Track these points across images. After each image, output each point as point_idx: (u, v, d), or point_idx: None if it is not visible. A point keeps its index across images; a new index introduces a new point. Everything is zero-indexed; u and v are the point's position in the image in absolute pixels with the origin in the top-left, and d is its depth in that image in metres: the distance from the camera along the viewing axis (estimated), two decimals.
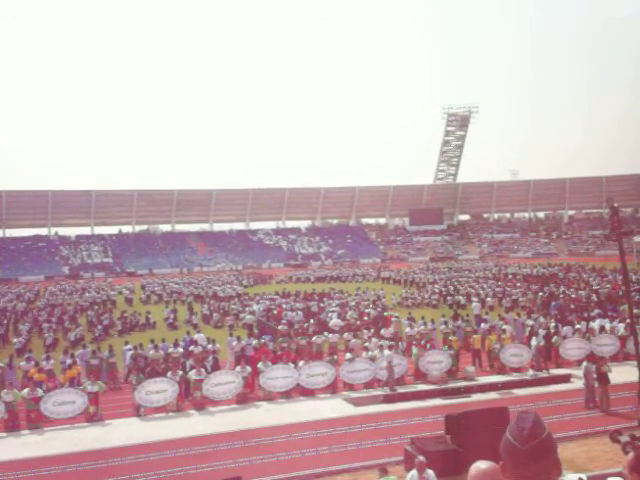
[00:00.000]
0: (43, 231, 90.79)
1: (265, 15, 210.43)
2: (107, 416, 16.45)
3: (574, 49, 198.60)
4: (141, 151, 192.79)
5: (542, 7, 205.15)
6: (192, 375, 17.44)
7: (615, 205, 13.09)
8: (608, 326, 22.12)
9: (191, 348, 21.14)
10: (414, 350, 19.79)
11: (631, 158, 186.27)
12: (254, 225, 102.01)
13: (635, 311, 22.85)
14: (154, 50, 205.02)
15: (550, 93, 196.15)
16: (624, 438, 12.39)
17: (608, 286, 37.38)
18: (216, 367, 19.33)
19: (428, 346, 20.14)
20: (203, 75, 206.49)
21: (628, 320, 18.81)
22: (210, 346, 21.13)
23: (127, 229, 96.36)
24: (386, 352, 19.04)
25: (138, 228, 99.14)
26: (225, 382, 17.37)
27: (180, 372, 17.81)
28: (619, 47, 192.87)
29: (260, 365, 18.07)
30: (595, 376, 15.47)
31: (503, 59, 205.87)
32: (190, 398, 17.48)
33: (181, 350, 20.73)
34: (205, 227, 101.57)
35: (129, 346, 21.66)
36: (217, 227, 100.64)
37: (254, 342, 21.66)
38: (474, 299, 34.33)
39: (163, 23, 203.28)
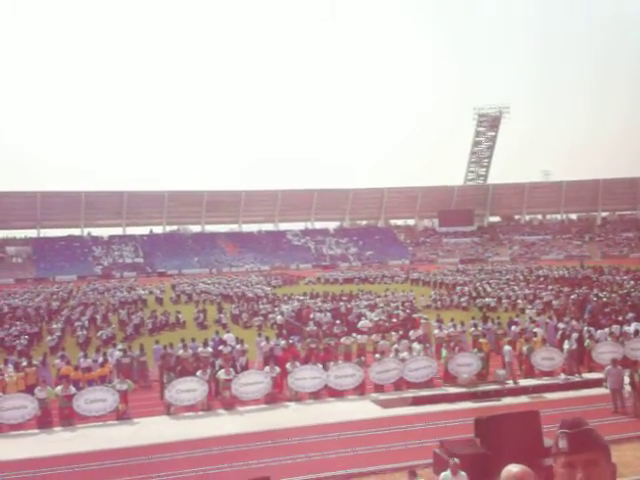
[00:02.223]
0: (76, 231, 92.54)
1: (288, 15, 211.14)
2: (137, 414, 16.66)
3: (613, 47, 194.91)
4: (171, 153, 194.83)
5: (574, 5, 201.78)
6: (221, 375, 17.56)
7: None
8: None
9: (220, 348, 21.28)
10: (443, 352, 19.63)
11: None
12: (283, 226, 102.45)
13: None
14: (169, 51, 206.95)
15: (584, 93, 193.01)
16: None
17: None
18: (246, 367, 19.44)
19: (457, 349, 19.94)
20: (221, 75, 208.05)
21: None
22: (239, 346, 21.24)
23: (158, 229, 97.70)
24: (506, 347, 19.41)
25: (169, 228, 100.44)
26: (254, 382, 17.44)
27: (209, 371, 17.95)
28: None
29: (288, 366, 18.11)
30: (628, 382, 15.13)
31: (535, 58, 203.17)
32: (219, 397, 17.60)
33: (210, 350, 20.89)
34: (234, 228, 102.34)
35: (159, 345, 21.91)
36: (246, 228, 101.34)
37: (282, 342, 21.72)
38: (528, 307, 32.60)
39: (172, 25, 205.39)
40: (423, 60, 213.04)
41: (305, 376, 17.75)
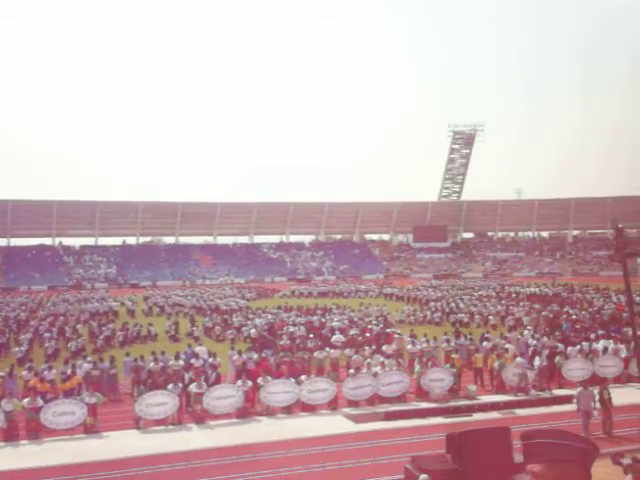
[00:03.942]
0: (47, 241, 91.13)
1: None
2: (107, 428, 16.38)
3: (581, 67, 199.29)
4: (145, 163, 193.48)
5: (545, 24, 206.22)
6: (193, 388, 17.37)
7: (620, 226, 13.09)
8: (611, 347, 21.97)
9: (192, 361, 21.07)
10: (416, 367, 19.72)
11: (634, 179, 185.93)
12: (258, 239, 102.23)
13: (639, 333, 22.76)
14: (151, 50, 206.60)
15: (557, 113, 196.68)
16: (626, 460, 12.22)
17: (612, 307, 37.20)
18: (217, 381, 19.28)
19: (429, 364, 20.03)
20: (205, 83, 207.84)
21: (633, 343, 18.67)
22: (211, 359, 21.06)
23: (131, 240, 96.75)
24: (519, 360, 19.75)
25: (142, 240, 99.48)
26: (225, 396, 17.29)
27: (181, 385, 17.75)
28: (632, 64, 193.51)
29: (260, 380, 18.01)
30: (597, 399, 15.30)
31: (508, 78, 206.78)
32: (190, 411, 17.40)
33: (182, 363, 20.67)
34: (209, 240, 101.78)
35: (130, 358, 21.62)
36: (221, 240, 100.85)
37: (255, 356, 21.60)
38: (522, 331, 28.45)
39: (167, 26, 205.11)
40: (400, 76, 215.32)
41: (277, 390, 17.65)
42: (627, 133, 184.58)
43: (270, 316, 35.41)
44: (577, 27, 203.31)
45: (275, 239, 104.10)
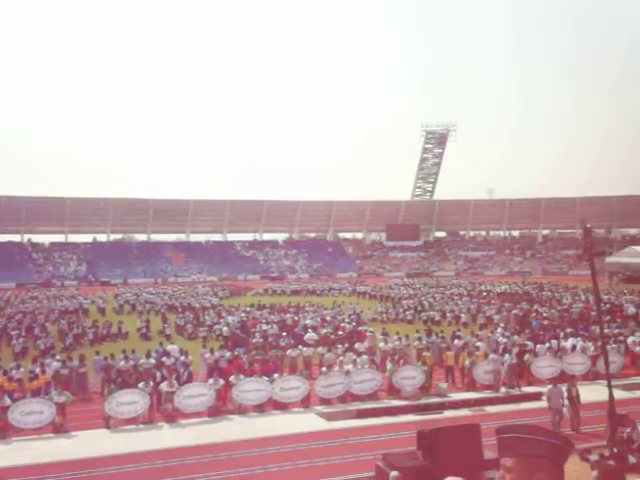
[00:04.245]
0: (16, 238, 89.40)
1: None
2: (76, 427, 16.16)
3: (553, 70, 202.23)
4: (117, 159, 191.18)
5: (521, 26, 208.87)
6: (164, 387, 17.24)
7: (588, 226, 13.31)
8: (579, 345, 22.38)
9: (163, 359, 20.91)
10: (388, 365, 19.84)
11: (607, 181, 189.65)
12: (231, 237, 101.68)
13: (606, 331, 23.22)
14: (137, 45, 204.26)
15: (527, 113, 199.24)
16: (593, 457, 12.46)
17: (580, 305, 37.88)
18: (189, 379, 19.17)
19: (401, 362, 20.17)
20: (177, 80, 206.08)
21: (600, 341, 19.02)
22: (183, 358, 20.91)
23: (102, 238, 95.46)
24: (492, 356, 20.15)
25: (113, 237, 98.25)
26: (197, 394, 17.20)
27: (151, 383, 17.59)
28: (600, 69, 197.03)
29: (233, 378, 17.95)
30: (566, 396, 15.56)
31: (483, 78, 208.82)
32: (161, 410, 17.26)
33: (153, 361, 20.50)
34: (181, 237, 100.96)
35: (100, 356, 21.36)
36: (194, 238, 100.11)
37: (227, 354, 21.52)
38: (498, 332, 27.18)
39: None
40: (373, 76, 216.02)
41: (250, 388, 17.62)
42: (595, 135, 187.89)
43: (243, 314, 35.29)
44: (553, 30, 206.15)
45: (249, 237, 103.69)
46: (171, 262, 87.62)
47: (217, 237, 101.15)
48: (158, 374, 18.86)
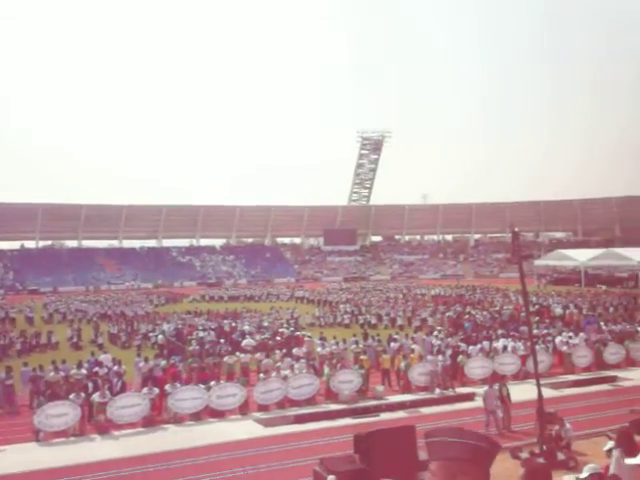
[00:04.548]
0: None
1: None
2: (4, 441, 15.46)
3: (483, 74, 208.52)
4: (49, 163, 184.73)
5: (454, 32, 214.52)
6: (95, 398, 16.74)
7: (516, 230, 13.78)
8: (510, 346, 23.08)
9: (95, 369, 20.31)
10: (325, 370, 19.91)
11: (531, 186, 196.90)
12: (167, 242, 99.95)
13: (534, 331, 24.05)
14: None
15: (461, 120, 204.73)
16: (524, 454, 12.92)
17: (511, 307, 39.11)
18: (123, 389, 18.69)
19: (339, 366, 20.29)
20: (121, 82, 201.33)
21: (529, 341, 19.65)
22: (116, 367, 20.37)
23: (30, 244, 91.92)
24: (430, 357, 20.64)
25: (42, 243, 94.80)
26: (131, 405, 16.78)
27: (83, 395, 17.04)
28: (534, 79, 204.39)
29: (168, 386, 17.61)
30: (497, 396, 15.97)
31: (417, 85, 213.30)
32: (93, 421, 16.74)
33: (84, 371, 19.86)
34: (114, 244, 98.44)
35: (28, 368, 20.53)
36: (127, 244, 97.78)
37: (163, 363, 21.11)
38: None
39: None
40: (311, 80, 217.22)
41: (185, 397, 17.32)
42: (526, 140, 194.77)
43: (179, 321, 34.77)
44: (494, 34, 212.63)
45: (185, 243, 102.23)
46: (103, 269, 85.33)
47: (152, 243, 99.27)
48: (90, 385, 18.29)
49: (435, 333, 26.92)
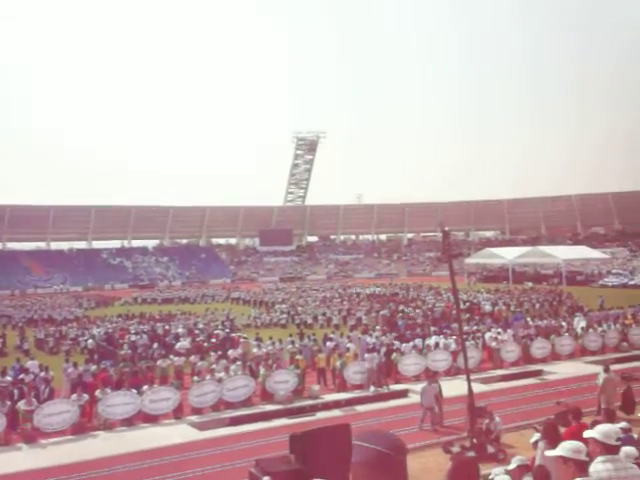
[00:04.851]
0: None
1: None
2: None
3: (415, 76, 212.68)
4: None
5: (387, 36, 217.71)
6: (21, 405, 16.09)
7: (446, 229, 14.12)
8: (442, 342, 23.64)
9: (21, 376, 19.54)
10: (261, 370, 19.84)
11: (463, 186, 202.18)
12: (97, 244, 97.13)
13: (465, 328, 24.74)
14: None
15: (393, 120, 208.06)
16: (455, 449, 13.27)
17: (442, 305, 40.05)
18: (50, 396, 18.05)
19: (274, 366, 20.26)
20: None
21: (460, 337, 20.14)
22: (43, 374, 19.65)
23: None
24: (367, 355, 20.58)
25: None
26: (59, 412, 16.22)
27: (8, 403, 16.35)
28: (468, 78, 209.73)
29: (98, 392, 17.14)
30: (435, 392, 16.27)
31: (351, 87, 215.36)
32: (19, 430, 16.09)
33: (9, 379, 19.08)
34: (41, 246, 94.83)
35: None
36: (55, 246, 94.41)
37: (93, 368, 20.54)
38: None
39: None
40: (246, 79, 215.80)
41: (117, 402, 16.89)
42: (459, 143, 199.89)
43: (109, 325, 33.87)
44: (413, 40, 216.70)
45: (116, 244, 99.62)
46: (30, 272, 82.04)
47: (81, 245, 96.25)
48: (15, 392, 17.58)
49: (375, 333, 27.22)
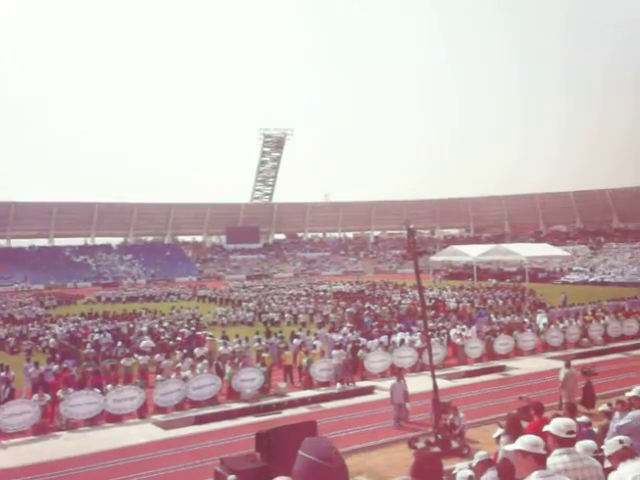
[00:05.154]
0: None
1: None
2: None
3: (383, 75, 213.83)
4: None
5: (353, 35, 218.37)
6: None
7: (412, 227, 14.26)
8: (407, 339, 23.86)
9: None
10: (227, 369, 19.74)
11: (427, 184, 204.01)
12: (59, 241, 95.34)
13: (430, 325, 25.00)
14: None
15: (360, 119, 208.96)
16: (420, 444, 13.42)
17: (408, 302, 40.40)
18: (11, 397, 17.67)
19: (241, 364, 20.19)
20: None
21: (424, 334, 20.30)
22: (3, 374, 19.22)
23: None
24: (335, 352, 20.61)
25: None
26: (20, 412, 15.91)
27: None
28: (434, 76, 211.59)
29: (60, 392, 16.84)
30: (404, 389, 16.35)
31: (318, 85, 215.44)
32: None
33: None
34: (1, 243, 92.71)
35: None
36: (15, 243, 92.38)
37: (55, 367, 20.17)
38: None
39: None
40: (215, 75, 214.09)
41: (80, 402, 16.63)
42: (426, 142, 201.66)
43: (72, 324, 33.30)
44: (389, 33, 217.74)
45: (79, 241, 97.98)
46: None
47: (43, 242, 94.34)
48: None
49: (343, 329, 27.28)
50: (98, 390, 17.36)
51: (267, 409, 17.74)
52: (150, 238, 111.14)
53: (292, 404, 18.20)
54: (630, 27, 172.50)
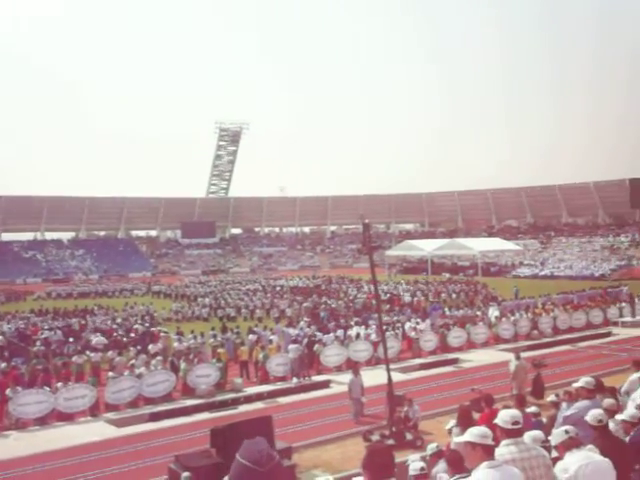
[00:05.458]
0: None
1: None
2: None
3: (340, 72, 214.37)
4: None
5: (322, 29, 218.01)
6: None
7: (366, 222, 14.33)
8: (363, 333, 24.04)
9: None
10: (182, 365, 19.55)
11: (382, 179, 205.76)
12: (7, 236, 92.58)
13: (385, 318, 25.25)
14: None
15: (319, 114, 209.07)
16: (375, 437, 13.57)
17: (364, 296, 40.70)
18: None
19: (196, 360, 20.02)
20: None
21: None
22: None
23: None
24: (291, 346, 20.76)
25: None
26: None
27: None
28: (394, 69, 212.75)
29: (8, 391, 16.39)
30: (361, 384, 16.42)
31: (274, 79, 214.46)
32: None
33: None
34: None
35: None
36: None
37: (3, 365, 19.64)
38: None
39: None
40: (170, 67, 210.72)
41: (29, 401, 16.22)
42: (376, 136, 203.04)
43: (21, 321, 32.45)
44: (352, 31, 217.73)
45: (28, 236, 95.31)
46: None
47: None
48: None
49: (301, 324, 27.28)
50: (48, 388, 16.97)
51: (223, 405, 17.63)
52: (103, 233, 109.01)
53: (248, 399, 18.14)
54: (609, 23, 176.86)
